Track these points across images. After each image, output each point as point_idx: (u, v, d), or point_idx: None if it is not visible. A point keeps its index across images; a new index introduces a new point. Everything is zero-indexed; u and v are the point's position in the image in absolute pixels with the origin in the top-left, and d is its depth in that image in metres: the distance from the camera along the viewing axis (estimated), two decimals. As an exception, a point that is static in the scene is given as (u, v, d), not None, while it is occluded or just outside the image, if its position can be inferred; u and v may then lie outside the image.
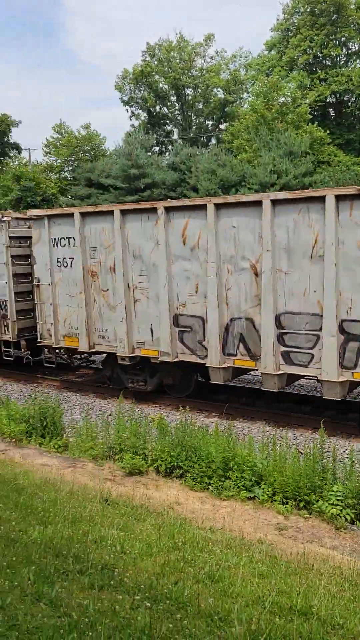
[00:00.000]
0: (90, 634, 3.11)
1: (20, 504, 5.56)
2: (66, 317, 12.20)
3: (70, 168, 42.90)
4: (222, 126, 42.30)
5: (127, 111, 43.55)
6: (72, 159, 42.92)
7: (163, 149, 42.48)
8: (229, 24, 69.64)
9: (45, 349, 13.27)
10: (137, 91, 42.37)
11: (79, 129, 45.11)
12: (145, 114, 43.17)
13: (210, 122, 43.89)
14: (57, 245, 12.10)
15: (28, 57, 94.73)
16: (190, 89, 42.76)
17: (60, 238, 11.99)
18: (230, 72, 42.18)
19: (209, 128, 43.76)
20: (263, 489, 7.02)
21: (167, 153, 39.28)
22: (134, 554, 4.65)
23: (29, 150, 50.08)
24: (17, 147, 33.36)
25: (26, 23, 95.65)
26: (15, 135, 58.01)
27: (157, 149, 41.30)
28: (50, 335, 12.56)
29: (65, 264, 12.03)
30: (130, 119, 46.27)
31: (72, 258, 11.84)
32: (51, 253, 12.17)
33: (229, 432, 7.97)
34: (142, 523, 5.72)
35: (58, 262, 12.13)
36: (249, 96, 38.64)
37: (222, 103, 41.50)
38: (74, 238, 11.71)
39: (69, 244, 11.86)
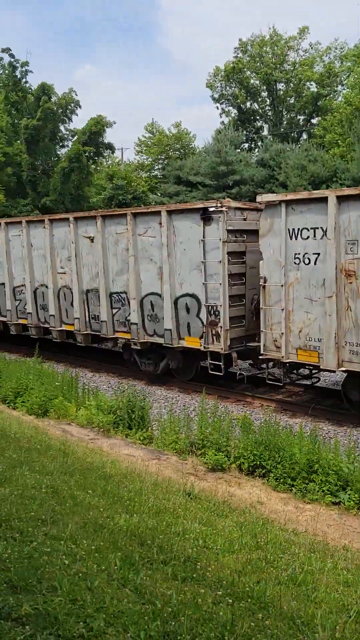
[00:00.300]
0: (173, 623, 3.17)
1: (107, 491, 5.77)
2: (303, 326, 10.07)
3: (160, 166, 43.65)
4: (314, 121, 41.17)
5: (218, 108, 43.52)
6: (162, 157, 43.63)
7: (252, 145, 42.08)
8: (325, 15, 67.56)
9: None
10: (227, 88, 42.24)
11: (170, 127, 45.79)
12: (235, 111, 42.96)
13: (302, 117, 42.84)
14: (295, 237, 10.01)
15: (124, 59, 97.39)
16: (282, 84, 41.97)
17: (302, 229, 9.91)
18: (325, 65, 40.91)
19: (300, 123, 42.74)
20: (349, 494, 6.80)
21: (257, 149, 38.85)
22: (216, 550, 4.69)
23: (122, 149, 51.54)
24: (110, 147, 34.37)
25: (124, 27, 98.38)
26: (108, 135, 59.91)
27: (246, 145, 40.98)
28: (278, 348, 10.45)
29: (306, 261, 9.90)
30: (220, 116, 46.14)
31: (318, 253, 9.75)
32: (286, 247, 10.11)
33: (314, 434, 7.81)
34: (224, 519, 5.75)
35: (296, 258, 10.02)
36: (344, 89, 37.29)
37: (315, 97, 40.35)
38: (322, 228, 9.61)
39: (314, 236, 9.76)
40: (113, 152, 37.04)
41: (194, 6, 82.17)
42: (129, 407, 9.76)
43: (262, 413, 10.17)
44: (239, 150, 30.81)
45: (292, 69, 41.22)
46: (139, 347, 13.13)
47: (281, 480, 7.35)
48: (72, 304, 14.67)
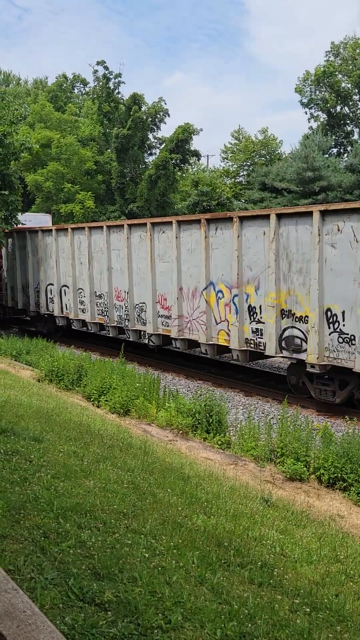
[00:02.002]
0: (249, 625, 3.19)
1: (185, 492, 5.86)
2: None
3: (245, 172, 43.61)
4: None
5: (306, 113, 42.85)
6: (248, 163, 43.56)
7: (341, 150, 41.00)
8: None
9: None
10: (317, 92, 41.48)
11: (256, 133, 45.64)
12: (324, 115, 42.08)
13: None
14: None
15: (212, 65, 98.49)
16: (375, 86, 40.55)
17: None
18: None
19: (394, 126, 41.07)
20: None
21: (346, 154, 37.80)
22: (293, 558, 4.64)
23: (207, 156, 52.02)
24: (196, 154, 34.85)
25: (212, 34, 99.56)
26: (195, 142, 60.73)
27: (335, 150, 40.01)
28: None
29: None
30: (309, 121, 45.41)
31: None
32: None
33: None
34: (303, 529, 5.67)
35: None
36: None
37: None
38: None
39: None
40: (199, 159, 37.53)
41: (283, 10, 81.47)
42: (207, 411, 9.84)
43: (345, 425, 9.88)
44: (327, 156, 30.15)
45: (386, 71, 39.71)
46: None
47: (363, 494, 7.12)
48: None
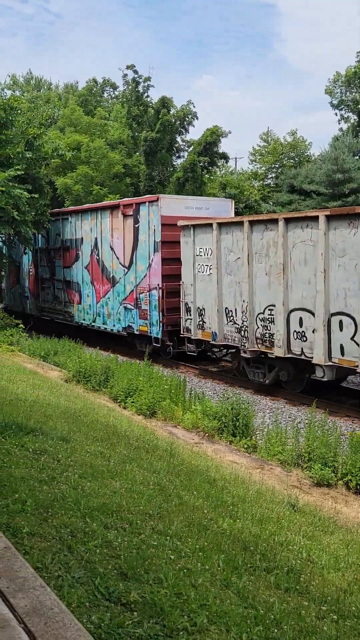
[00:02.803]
0: (275, 630, 3.16)
1: (211, 495, 5.85)
2: None
3: (273, 175, 43.35)
4: None
5: (336, 115, 42.31)
6: (277, 165, 43.30)
7: (372, 152, 40.42)
8: None
9: None
10: (347, 93, 40.98)
11: (285, 135, 45.33)
12: (355, 117, 41.54)
13: None
14: None
15: (241, 68, 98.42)
16: None
17: None
18: None
19: None
20: None
21: (377, 156, 37.25)
22: (320, 565, 4.58)
23: (235, 158, 51.88)
24: (225, 157, 34.77)
25: (241, 36, 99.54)
26: (223, 145, 60.51)
27: (365, 152, 39.46)
28: None
29: None
30: (339, 123, 44.89)
31: None
32: None
33: None
34: (330, 536, 5.59)
35: None
36: None
37: None
38: None
39: None
40: (227, 162, 37.42)
41: (314, 11, 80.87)
42: (233, 414, 9.80)
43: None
44: (357, 157, 29.75)
45: None
46: None
47: (392, 502, 6.99)
48: None
